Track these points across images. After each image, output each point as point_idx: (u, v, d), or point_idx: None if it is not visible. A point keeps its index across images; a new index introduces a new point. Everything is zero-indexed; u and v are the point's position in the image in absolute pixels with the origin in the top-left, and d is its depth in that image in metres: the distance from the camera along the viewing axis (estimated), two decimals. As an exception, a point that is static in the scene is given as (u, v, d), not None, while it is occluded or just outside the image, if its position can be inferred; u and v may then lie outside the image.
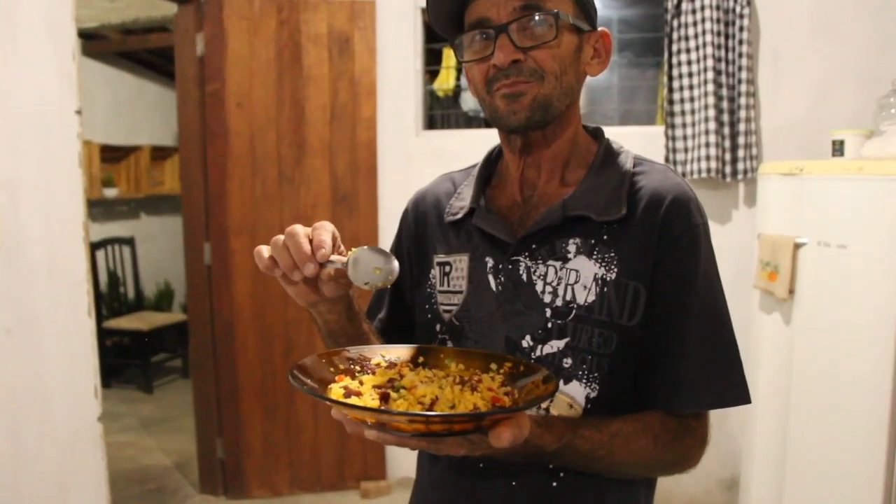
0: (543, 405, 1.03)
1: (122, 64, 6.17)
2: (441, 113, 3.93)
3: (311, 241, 0.92)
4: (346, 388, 0.87)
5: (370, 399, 0.84)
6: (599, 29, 1.09)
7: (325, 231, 0.94)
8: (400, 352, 1.01)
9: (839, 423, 2.40)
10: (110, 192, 5.79)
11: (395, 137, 3.58)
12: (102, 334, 5.46)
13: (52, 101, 2.41)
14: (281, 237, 0.93)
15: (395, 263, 0.93)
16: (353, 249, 0.94)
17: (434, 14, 1.06)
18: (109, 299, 5.83)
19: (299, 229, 0.93)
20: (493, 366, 0.95)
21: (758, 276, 2.74)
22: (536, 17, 0.99)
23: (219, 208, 3.45)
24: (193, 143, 3.46)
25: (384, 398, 0.83)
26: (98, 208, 5.86)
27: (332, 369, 0.93)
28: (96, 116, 5.69)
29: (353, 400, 0.83)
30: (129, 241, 6.05)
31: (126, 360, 5.75)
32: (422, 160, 3.57)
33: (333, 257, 0.93)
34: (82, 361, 2.55)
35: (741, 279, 2.87)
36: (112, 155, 5.94)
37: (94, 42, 5.56)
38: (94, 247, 5.56)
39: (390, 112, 3.56)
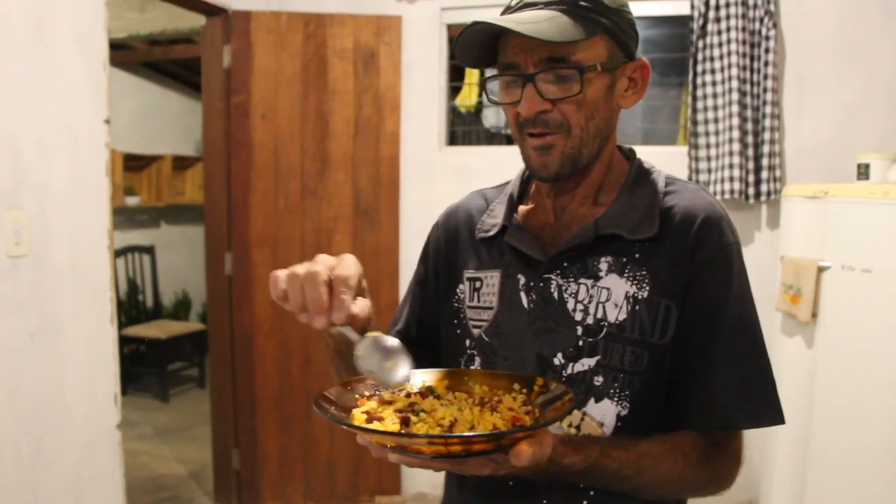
0: (574, 424, 1.03)
1: (146, 74, 6.25)
2: (463, 129, 3.94)
3: (330, 288, 0.86)
4: (368, 413, 0.87)
5: (391, 423, 0.84)
6: (638, 58, 1.08)
7: (348, 287, 0.86)
8: (424, 376, 1.00)
9: (862, 447, 2.37)
10: (132, 201, 5.85)
11: (418, 153, 3.59)
12: (120, 341, 5.47)
13: (82, 110, 2.44)
14: (300, 271, 0.86)
15: (405, 373, 0.91)
16: (371, 334, 0.91)
17: (463, 59, 1.07)
18: (128, 307, 5.87)
19: (321, 274, 0.85)
20: (517, 386, 0.95)
21: (780, 298, 2.72)
22: (561, 73, 0.99)
23: (241, 219, 3.47)
24: (218, 154, 3.49)
25: (405, 422, 0.83)
26: (119, 216, 5.89)
27: (356, 396, 0.93)
28: (120, 125, 5.72)
29: (375, 425, 0.83)
30: (149, 250, 6.09)
31: (143, 368, 5.78)
32: (444, 176, 3.58)
33: (357, 306, 0.90)
34: (103, 369, 2.57)
35: (763, 301, 2.82)
36: (134, 164, 6.00)
37: (120, 52, 5.64)
38: (114, 254, 5.60)
39: (414, 127, 3.58)
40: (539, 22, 0.96)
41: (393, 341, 0.92)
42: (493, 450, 0.79)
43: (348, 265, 0.87)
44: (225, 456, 3.63)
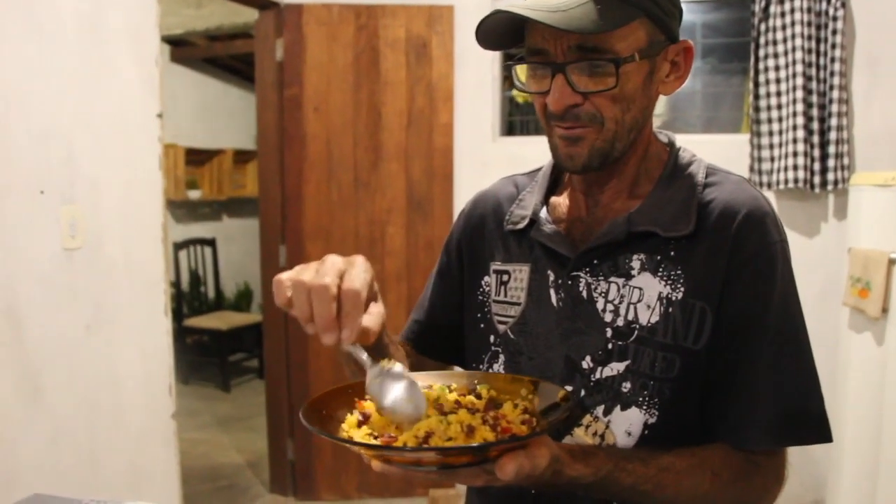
0: (599, 433, 0.97)
1: (207, 69, 6.35)
2: (521, 119, 3.89)
3: (338, 301, 0.76)
4: (360, 421, 0.85)
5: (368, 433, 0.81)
6: (682, 40, 0.98)
7: (358, 304, 0.77)
8: (433, 379, 0.93)
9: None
10: (194, 194, 5.96)
11: (472, 143, 3.55)
12: (183, 332, 5.61)
13: (135, 106, 2.47)
14: (307, 279, 0.76)
15: (414, 409, 0.81)
16: (384, 364, 0.83)
17: (484, 45, 0.98)
18: (190, 298, 5.99)
19: (330, 288, 0.75)
20: (524, 392, 0.89)
21: (848, 292, 2.60)
22: (595, 63, 0.91)
23: (295, 212, 3.49)
24: (271, 147, 3.51)
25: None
26: (181, 209, 6.03)
27: (356, 398, 0.90)
28: (182, 120, 5.85)
29: (359, 434, 0.81)
30: (211, 242, 6.20)
31: (205, 358, 5.89)
32: (498, 166, 3.52)
33: (368, 317, 0.81)
34: (158, 359, 2.61)
35: (829, 296, 2.74)
36: (196, 158, 6.11)
37: (182, 48, 5.74)
38: (177, 247, 5.72)
39: (467, 118, 3.54)
40: (569, 9, 0.87)
41: (402, 370, 0.84)
42: (477, 462, 0.75)
43: (358, 275, 0.78)
44: (280, 447, 3.67)
